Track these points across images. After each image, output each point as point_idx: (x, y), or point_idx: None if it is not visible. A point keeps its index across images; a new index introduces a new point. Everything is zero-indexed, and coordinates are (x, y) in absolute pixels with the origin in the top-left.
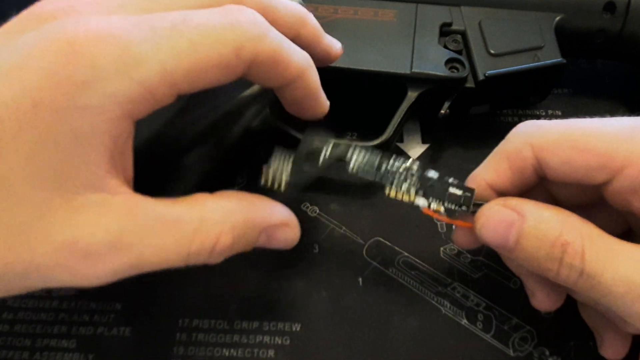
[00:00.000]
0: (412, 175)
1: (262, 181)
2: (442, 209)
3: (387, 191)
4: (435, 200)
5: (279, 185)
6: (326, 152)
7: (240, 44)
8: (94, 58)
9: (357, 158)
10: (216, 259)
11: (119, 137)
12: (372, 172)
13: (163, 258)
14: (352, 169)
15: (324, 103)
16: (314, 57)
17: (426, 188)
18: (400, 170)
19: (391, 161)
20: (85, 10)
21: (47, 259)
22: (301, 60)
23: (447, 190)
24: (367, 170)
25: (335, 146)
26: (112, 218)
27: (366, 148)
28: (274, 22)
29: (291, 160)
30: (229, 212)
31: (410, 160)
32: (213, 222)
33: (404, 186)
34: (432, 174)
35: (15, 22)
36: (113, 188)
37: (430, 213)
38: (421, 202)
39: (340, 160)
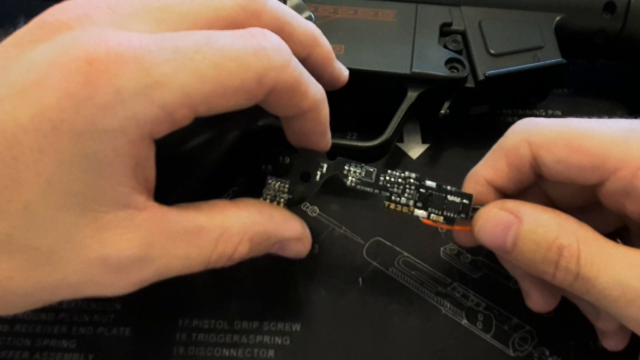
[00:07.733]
0: (410, 185)
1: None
2: (441, 219)
3: (386, 204)
4: (435, 210)
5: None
6: (322, 170)
7: (263, 71)
8: (115, 79)
9: (354, 173)
10: (231, 264)
11: (140, 156)
12: (370, 185)
13: (187, 266)
14: (350, 183)
15: (329, 139)
16: (323, 80)
17: (425, 198)
18: (399, 181)
19: (388, 173)
20: (100, 19)
21: (79, 277)
22: (318, 92)
23: (445, 198)
24: (365, 183)
25: (329, 164)
26: (140, 233)
27: (361, 164)
28: (289, 39)
29: (287, 184)
30: (249, 223)
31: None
32: (233, 232)
33: (403, 199)
34: (430, 183)
35: (26, 31)
36: (139, 203)
37: (430, 223)
38: (420, 213)
39: (336, 176)
